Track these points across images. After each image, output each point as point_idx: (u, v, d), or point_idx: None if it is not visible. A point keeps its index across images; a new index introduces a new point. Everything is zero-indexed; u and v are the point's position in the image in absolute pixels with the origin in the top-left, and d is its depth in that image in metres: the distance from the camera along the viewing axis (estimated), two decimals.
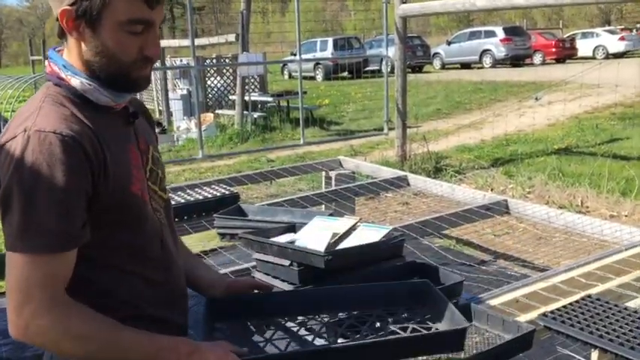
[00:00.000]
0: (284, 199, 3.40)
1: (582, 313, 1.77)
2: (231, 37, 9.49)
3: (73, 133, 1.09)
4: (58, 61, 1.19)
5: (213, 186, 3.28)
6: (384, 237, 1.94)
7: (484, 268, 3.79)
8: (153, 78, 15.01)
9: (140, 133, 1.29)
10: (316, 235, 2.04)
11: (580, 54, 23.06)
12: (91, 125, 1.14)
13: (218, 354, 1.16)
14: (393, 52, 7.27)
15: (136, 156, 1.24)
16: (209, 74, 12.73)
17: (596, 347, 1.66)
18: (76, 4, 1.12)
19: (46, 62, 1.23)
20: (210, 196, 3.05)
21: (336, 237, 2.01)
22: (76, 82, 1.17)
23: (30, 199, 1.05)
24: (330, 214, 2.49)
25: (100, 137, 1.14)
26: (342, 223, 2.10)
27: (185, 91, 12.03)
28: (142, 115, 1.37)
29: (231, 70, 12.51)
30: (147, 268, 1.25)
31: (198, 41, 9.37)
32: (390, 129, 7.60)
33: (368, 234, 2.00)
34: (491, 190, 5.81)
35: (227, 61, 12.84)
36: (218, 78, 12.88)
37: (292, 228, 2.25)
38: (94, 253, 1.16)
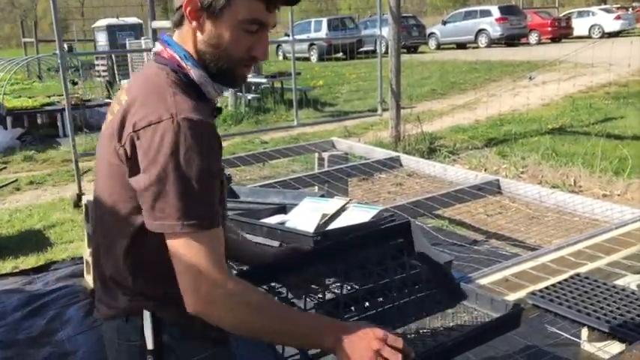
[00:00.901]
0: (276, 180, 3.40)
1: (571, 292, 1.78)
2: None
3: (211, 121, 1.18)
4: (178, 50, 1.25)
5: None
6: (373, 217, 1.95)
7: (476, 247, 3.80)
8: (145, 59, 14.90)
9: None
10: (306, 216, 2.04)
11: (576, 33, 22.94)
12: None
13: (364, 328, 1.19)
14: (387, 32, 7.22)
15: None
16: None
17: (583, 325, 1.67)
18: None
19: (159, 45, 1.28)
20: None
21: (326, 218, 2.01)
22: (196, 74, 1.23)
23: (189, 183, 1.10)
24: (322, 196, 2.48)
25: None
26: (332, 204, 2.10)
27: None
28: None
29: None
30: None
31: None
32: (384, 110, 7.57)
33: (358, 215, 2.00)
34: (485, 170, 5.81)
35: None
36: None
37: (283, 209, 2.26)
38: None
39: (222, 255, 1.16)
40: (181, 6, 1.21)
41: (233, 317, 1.16)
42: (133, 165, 1.14)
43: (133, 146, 1.14)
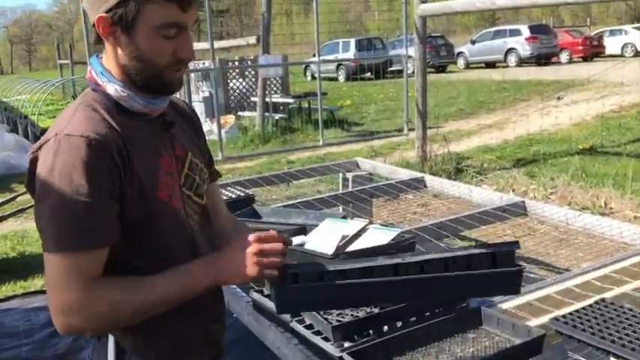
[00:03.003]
0: (300, 200, 3.40)
1: (595, 318, 1.74)
2: (252, 40, 9.54)
3: (99, 136, 1.13)
4: (96, 68, 1.23)
5: (229, 188, 3.30)
6: (393, 239, 1.94)
7: None
8: None
9: (178, 140, 1.32)
10: (326, 237, 2.04)
11: (608, 52, 22.66)
12: (121, 131, 1.17)
13: (234, 247, 1.20)
14: (414, 52, 7.23)
15: (167, 162, 1.26)
16: (231, 76, 12.80)
17: (607, 353, 1.62)
18: (111, 12, 1.15)
19: (88, 68, 1.27)
20: (225, 197, 3.06)
21: (346, 239, 2.01)
22: (111, 89, 1.21)
23: (60, 200, 1.09)
24: (343, 217, 2.48)
25: (128, 142, 1.17)
26: (351, 226, 2.09)
27: (207, 94, 12.12)
28: (188, 122, 1.41)
29: (253, 72, 12.57)
30: None
31: (219, 44, 9.44)
32: (411, 129, 7.56)
33: (378, 236, 1.99)
34: (513, 191, 5.74)
35: (249, 63, 12.90)
36: (240, 80, 12.96)
37: (303, 230, 2.26)
38: (120, 257, 1.18)
39: (89, 275, 1.12)
40: (94, 25, 1.18)
41: (101, 326, 1.17)
42: (33, 188, 1.16)
43: (33, 170, 1.16)
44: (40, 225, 1.13)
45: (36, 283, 4.32)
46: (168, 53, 1.19)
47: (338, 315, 1.66)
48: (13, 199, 5.15)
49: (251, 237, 1.18)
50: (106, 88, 1.21)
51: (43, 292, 4.14)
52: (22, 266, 4.67)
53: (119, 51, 1.19)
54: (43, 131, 9.84)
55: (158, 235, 1.22)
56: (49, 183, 1.10)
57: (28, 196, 5.51)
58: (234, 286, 2.15)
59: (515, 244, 1.32)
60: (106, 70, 1.22)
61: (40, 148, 1.15)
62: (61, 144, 1.11)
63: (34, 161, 1.16)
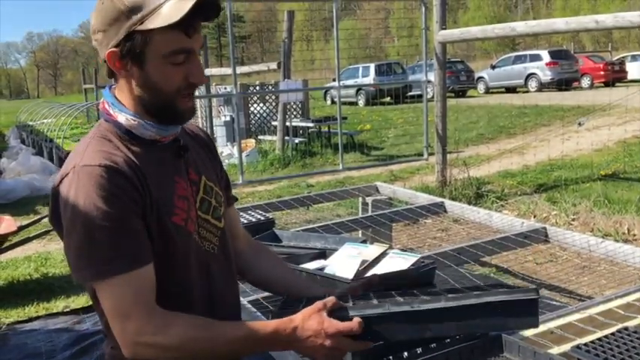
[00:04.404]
0: (319, 224, 3.41)
1: (618, 346, 1.71)
2: (273, 65, 9.68)
3: (115, 163, 1.17)
4: (108, 99, 1.27)
5: (249, 211, 3.32)
6: (412, 265, 1.94)
7: None
8: (198, 105, 15.41)
9: (192, 163, 1.34)
10: (345, 261, 2.04)
11: (630, 77, 22.50)
12: (135, 158, 1.21)
13: (314, 328, 1.16)
14: (433, 77, 7.26)
15: (182, 187, 1.28)
16: (252, 101, 12.96)
17: None
18: (120, 46, 1.19)
19: (101, 100, 1.31)
20: (245, 221, 3.08)
21: (366, 264, 2.01)
22: (122, 118, 1.24)
23: (89, 230, 1.12)
24: (363, 241, 2.49)
25: (144, 170, 1.21)
26: (371, 250, 2.10)
27: (228, 118, 12.27)
28: (204, 147, 1.44)
29: (274, 97, 12.73)
30: (187, 297, 1.27)
31: (241, 69, 9.58)
32: (430, 154, 7.56)
33: (397, 261, 1.99)
34: (534, 217, 5.69)
35: (270, 87, 13.06)
36: (261, 104, 13.11)
37: (323, 254, 2.27)
38: None
39: (143, 295, 1.15)
40: (105, 60, 1.21)
41: (164, 356, 1.16)
42: (57, 221, 1.19)
43: (56, 203, 1.19)
44: (74, 257, 1.15)
45: (58, 304, 4.36)
46: (179, 79, 1.21)
47: None
48: (38, 221, 5.23)
49: (332, 328, 1.15)
50: (117, 118, 1.25)
51: (64, 313, 4.18)
52: (45, 288, 4.72)
53: (132, 82, 1.23)
54: (68, 154, 10.02)
55: (172, 258, 1.24)
56: (75, 215, 1.13)
57: None
58: (255, 309, 2.16)
59: (534, 291, 1.29)
60: (117, 101, 1.25)
61: (61, 182, 1.18)
62: (79, 175, 1.15)
63: (55, 196, 1.19)
